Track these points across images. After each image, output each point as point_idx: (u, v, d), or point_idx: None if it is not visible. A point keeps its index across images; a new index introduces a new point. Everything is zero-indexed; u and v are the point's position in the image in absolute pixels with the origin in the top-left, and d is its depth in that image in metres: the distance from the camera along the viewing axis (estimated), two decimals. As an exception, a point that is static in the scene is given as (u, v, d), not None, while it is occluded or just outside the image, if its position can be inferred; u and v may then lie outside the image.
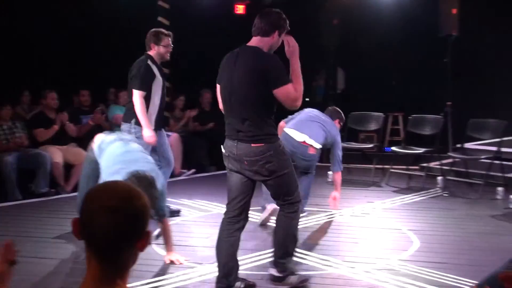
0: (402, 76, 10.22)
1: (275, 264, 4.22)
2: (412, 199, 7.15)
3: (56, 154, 7.40)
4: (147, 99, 5.69)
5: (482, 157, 7.55)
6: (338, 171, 6.41)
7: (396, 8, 10.05)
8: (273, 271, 4.23)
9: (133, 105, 5.66)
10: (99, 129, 7.34)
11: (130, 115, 5.72)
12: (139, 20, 8.98)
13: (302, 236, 5.49)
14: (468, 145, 8.64)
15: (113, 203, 1.58)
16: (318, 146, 6.06)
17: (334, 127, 6.39)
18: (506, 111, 10.36)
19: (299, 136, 6.00)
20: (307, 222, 5.99)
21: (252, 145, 3.85)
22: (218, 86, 4.12)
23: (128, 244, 1.61)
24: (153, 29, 6.00)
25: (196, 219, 6.10)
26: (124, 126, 5.79)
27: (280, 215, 4.20)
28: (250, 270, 4.55)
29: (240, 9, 10.50)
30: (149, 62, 5.76)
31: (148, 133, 5.60)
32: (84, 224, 1.59)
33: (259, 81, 3.81)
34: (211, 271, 4.49)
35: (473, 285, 3.20)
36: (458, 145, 8.39)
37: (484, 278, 2.99)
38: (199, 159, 8.95)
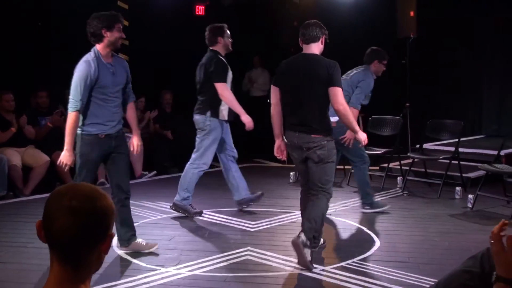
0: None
1: (304, 230, 4.60)
2: (372, 199, 7.22)
3: (14, 157, 7.26)
4: None
5: (441, 157, 7.67)
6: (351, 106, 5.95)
7: (355, 11, 10.17)
8: (301, 235, 4.56)
9: (208, 98, 6.09)
10: (58, 131, 7.22)
11: (204, 107, 6.12)
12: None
13: (264, 237, 5.50)
14: (427, 145, 8.80)
15: (75, 204, 1.55)
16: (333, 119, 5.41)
17: (358, 74, 6.40)
18: (463, 111, 10.59)
19: None
20: (269, 223, 5.99)
21: (312, 136, 4.67)
22: (275, 88, 4.87)
23: (90, 246, 1.59)
24: (213, 25, 6.26)
25: (158, 222, 6.06)
26: (199, 117, 6.14)
27: (314, 199, 4.75)
28: (214, 272, 4.53)
29: (200, 10, 10.48)
30: (220, 56, 6.14)
31: (247, 118, 6.07)
32: (46, 226, 1.56)
33: (324, 82, 4.64)
34: (174, 273, 4.46)
35: (432, 283, 3.24)
36: (417, 146, 8.52)
37: (443, 277, 3.03)
38: (161, 160, 8.89)
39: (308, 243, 4.54)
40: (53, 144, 7.54)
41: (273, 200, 7.11)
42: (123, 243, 4.95)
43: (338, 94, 4.65)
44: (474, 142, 9.91)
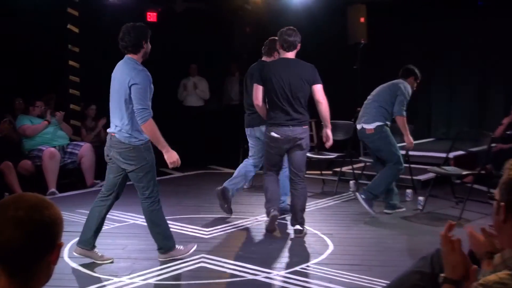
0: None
1: (300, 222, 5.71)
2: (326, 203, 7.29)
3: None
4: None
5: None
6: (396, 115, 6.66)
7: (306, 17, 10.24)
8: (298, 226, 5.69)
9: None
10: (7, 139, 7.08)
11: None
12: (47, 28, 8.73)
13: (218, 244, 5.49)
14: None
15: (21, 214, 1.52)
16: (370, 126, 6.65)
17: (396, 87, 6.69)
18: (412, 115, 10.76)
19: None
20: (223, 230, 5.98)
21: (303, 127, 5.71)
22: (259, 87, 5.80)
23: (39, 258, 1.55)
24: (273, 37, 6.33)
25: (110, 231, 5.96)
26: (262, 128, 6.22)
27: (297, 188, 5.74)
28: (169, 280, 4.49)
29: (152, 16, 10.41)
30: None
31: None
32: None
33: (308, 81, 5.64)
34: (128, 283, 4.40)
35: (385, 285, 3.29)
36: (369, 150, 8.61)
37: (395, 278, 3.07)
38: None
39: (303, 226, 5.72)
40: (1, 154, 7.39)
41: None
42: (86, 245, 4.86)
43: (321, 90, 5.67)
44: (423, 145, 10.11)
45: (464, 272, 2.13)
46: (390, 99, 6.66)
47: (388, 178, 6.59)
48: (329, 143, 5.97)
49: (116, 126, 4.76)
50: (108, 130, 4.90)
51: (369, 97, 6.94)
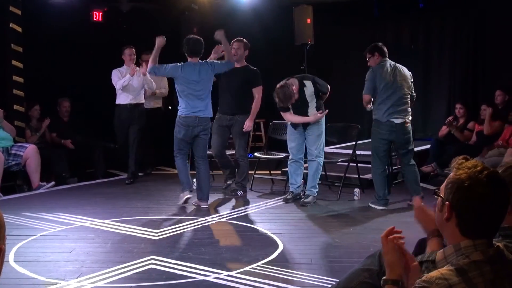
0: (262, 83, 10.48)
1: (242, 187, 7.64)
2: (275, 203, 7.33)
3: None
4: None
5: (339, 160, 7.91)
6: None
7: (253, 18, 10.30)
8: (239, 193, 7.58)
9: None
10: None
11: None
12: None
13: (168, 245, 5.46)
14: (326, 149, 8.99)
15: None
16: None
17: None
18: (359, 116, 10.95)
19: None
20: (172, 231, 5.95)
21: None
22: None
23: None
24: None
25: (57, 234, 5.86)
26: None
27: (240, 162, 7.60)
28: (118, 282, 4.44)
29: (97, 16, 10.26)
30: None
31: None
32: None
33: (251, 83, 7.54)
34: (76, 286, 4.34)
35: (334, 283, 3.34)
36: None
37: (344, 276, 3.12)
38: (59, 171, 8.61)
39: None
40: None
41: (176, 207, 7.07)
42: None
43: (260, 92, 7.45)
44: (370, 144, 10.25)
45: (401, 271, 2.18)
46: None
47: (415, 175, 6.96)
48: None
49: None
50: None
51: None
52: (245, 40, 7.54)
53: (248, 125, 7.44)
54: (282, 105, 6.97)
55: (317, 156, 7.11)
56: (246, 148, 7.68)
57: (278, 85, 6.94)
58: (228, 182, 7.96)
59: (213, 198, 7.37)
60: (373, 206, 6.93)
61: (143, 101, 8.72)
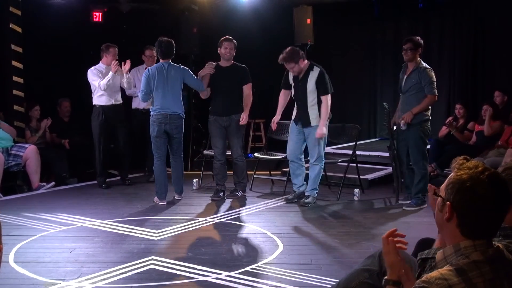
0: (262, 84, 10.47)
1: (242, 187, 7.70)
2: (275, 203, 7.33)
3: None
4: None
5: (339, 160, 7.91)
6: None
7: (253, 18, 10.28)
8: (239, 193, 7.65)
9: None
10: None
11: None
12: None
13: (168, 246, 5.46)
14: (326, 149, 9.01)
15: None
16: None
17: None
18: (358, 116, 10.98)
19: None
20: (172, 231, 5.96)
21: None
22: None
23: None
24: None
25: (57, 234, 5.86)
26: None
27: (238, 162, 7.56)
28: (118, 283, 4.44)
29: (97, 16, 10.26)
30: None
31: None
32: None
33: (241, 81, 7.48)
34: (76, 287, 4.34)
35: (334, 283, 3.34)
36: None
37: (344, 276, 3.13)
38: (59, 171, 8.60)
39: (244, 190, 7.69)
40: None
41: (176, 207, 7.07)
42: None
43: (250, 88, 7.42)
44: (369, 145, 10.30)
45: (400, 272, 2.19)
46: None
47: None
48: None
49: None
50: None
51: None
52: (234, 40, 7.48)
53: (244, 118, 7.37)
54: (284, 62, 7.02)
55: (318, 159, 7.05)
56: (242, 148, 7.64)
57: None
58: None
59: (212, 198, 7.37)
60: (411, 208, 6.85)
61: (121, 101, 8.53)
